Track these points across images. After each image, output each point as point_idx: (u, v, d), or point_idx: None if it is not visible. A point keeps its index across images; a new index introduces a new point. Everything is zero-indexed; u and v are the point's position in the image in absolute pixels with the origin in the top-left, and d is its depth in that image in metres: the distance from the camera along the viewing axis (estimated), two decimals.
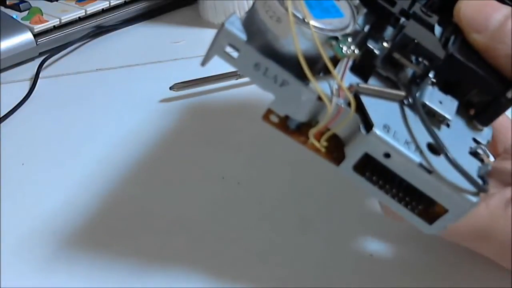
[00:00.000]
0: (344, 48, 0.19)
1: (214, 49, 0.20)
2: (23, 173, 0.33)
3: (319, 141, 0.20)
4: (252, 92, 0.40)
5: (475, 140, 0.23)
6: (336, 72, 0.20)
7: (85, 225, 0.29)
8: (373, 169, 0.21)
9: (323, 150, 0.21)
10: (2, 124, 0.38)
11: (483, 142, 0.23)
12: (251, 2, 0.48)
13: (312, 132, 0.20)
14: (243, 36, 0.19)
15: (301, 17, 0.19)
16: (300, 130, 0.21)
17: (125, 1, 0.52)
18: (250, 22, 0.20)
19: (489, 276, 0.25)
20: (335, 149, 0.21)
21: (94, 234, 0.28)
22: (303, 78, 0.19)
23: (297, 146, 0.32)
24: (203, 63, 0.20)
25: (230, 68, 0.39)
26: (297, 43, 0.19)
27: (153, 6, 0.53)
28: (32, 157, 0.34)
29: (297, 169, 0.32)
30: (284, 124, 0.21)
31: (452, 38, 0.22)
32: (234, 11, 0.49)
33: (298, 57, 0.18)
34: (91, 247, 0.27)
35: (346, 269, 0.26)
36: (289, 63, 0.19)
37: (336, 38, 0.20)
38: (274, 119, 0.21)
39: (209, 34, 0.49)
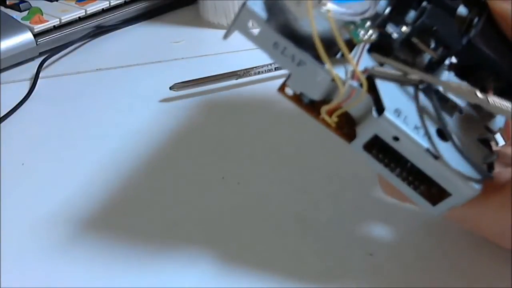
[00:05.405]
0: (362, 33, 0.20)
1: (236, 25, 0.20)
2: (23, 173, 0.33)
3: (330, 116, 0.21)
4: (252, 92, 0.40)
5: (486, 127, 0.23)
6: (352, 55, 0.20)
7: (84, 226, 0.29)
8: (380, 148, 0.21)
9: (333, 125, 0.21)
10: (2, 124, 0.38)
11: (495, 128, 0.23)
12: None
13: (324, 109, 0.21)
14: (263, 14, 0.20)
15: None
16: (313, 105, 0.21)
17: (125, 1, 0.52)
18: None
19: (490, 276, 0.25)
20: (346, 126, 0.22)
21: (93, 234, 0.28)
22: (320, 59, 0.20)
23: (297, 146, 0.32)
24: (225, 37, 0.21)
25: (230, 68, 0.40)
26: (314, 29, 0.19)
27: (153, 6, 0.53)
28: (32, 157, 0.34)
29: (297, 169, 0.32)
30: (298, 97, 0.22)
31: (476, 19, 0.23)
32: (234, 11, 0.49)
33: (315, 41, 0.19)
34: (90, 250, 0.27)
35: (346, 269, 0.26)
36: (308, 43, 0.20)
37: (354, 23, 0.20)
38: (289, 92, 0.21)
39: (209, 34, 0.50)
